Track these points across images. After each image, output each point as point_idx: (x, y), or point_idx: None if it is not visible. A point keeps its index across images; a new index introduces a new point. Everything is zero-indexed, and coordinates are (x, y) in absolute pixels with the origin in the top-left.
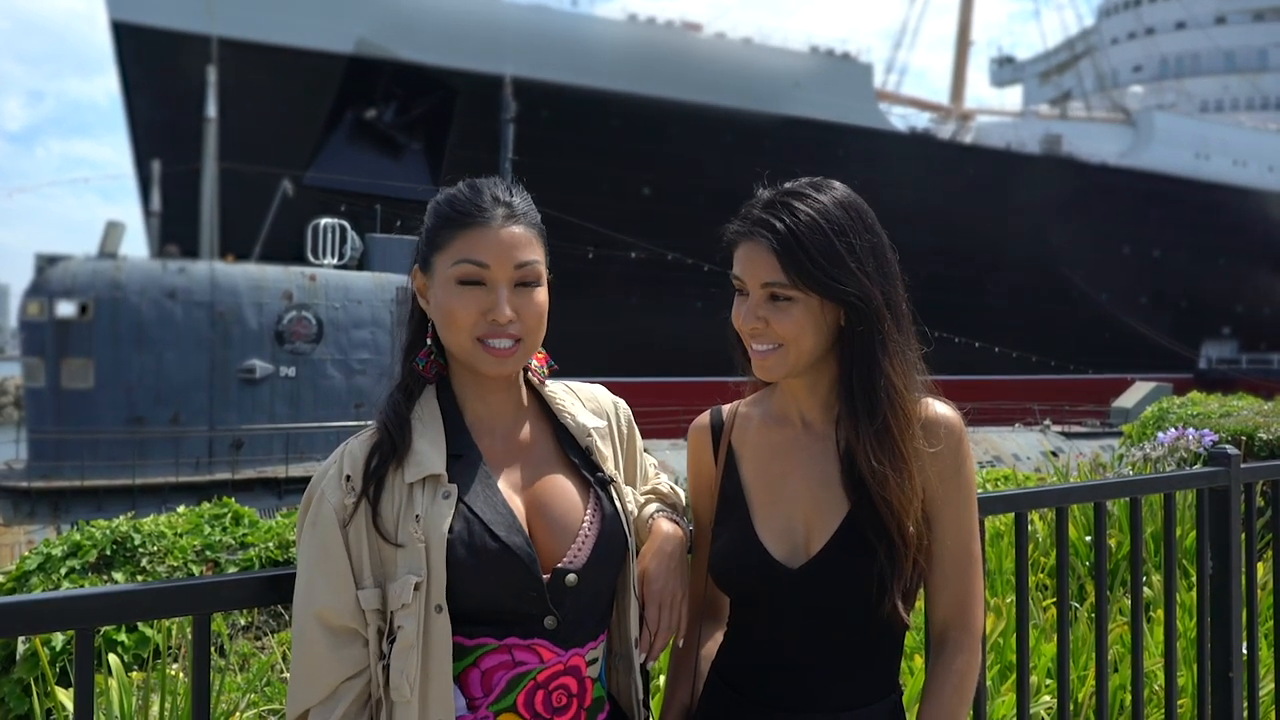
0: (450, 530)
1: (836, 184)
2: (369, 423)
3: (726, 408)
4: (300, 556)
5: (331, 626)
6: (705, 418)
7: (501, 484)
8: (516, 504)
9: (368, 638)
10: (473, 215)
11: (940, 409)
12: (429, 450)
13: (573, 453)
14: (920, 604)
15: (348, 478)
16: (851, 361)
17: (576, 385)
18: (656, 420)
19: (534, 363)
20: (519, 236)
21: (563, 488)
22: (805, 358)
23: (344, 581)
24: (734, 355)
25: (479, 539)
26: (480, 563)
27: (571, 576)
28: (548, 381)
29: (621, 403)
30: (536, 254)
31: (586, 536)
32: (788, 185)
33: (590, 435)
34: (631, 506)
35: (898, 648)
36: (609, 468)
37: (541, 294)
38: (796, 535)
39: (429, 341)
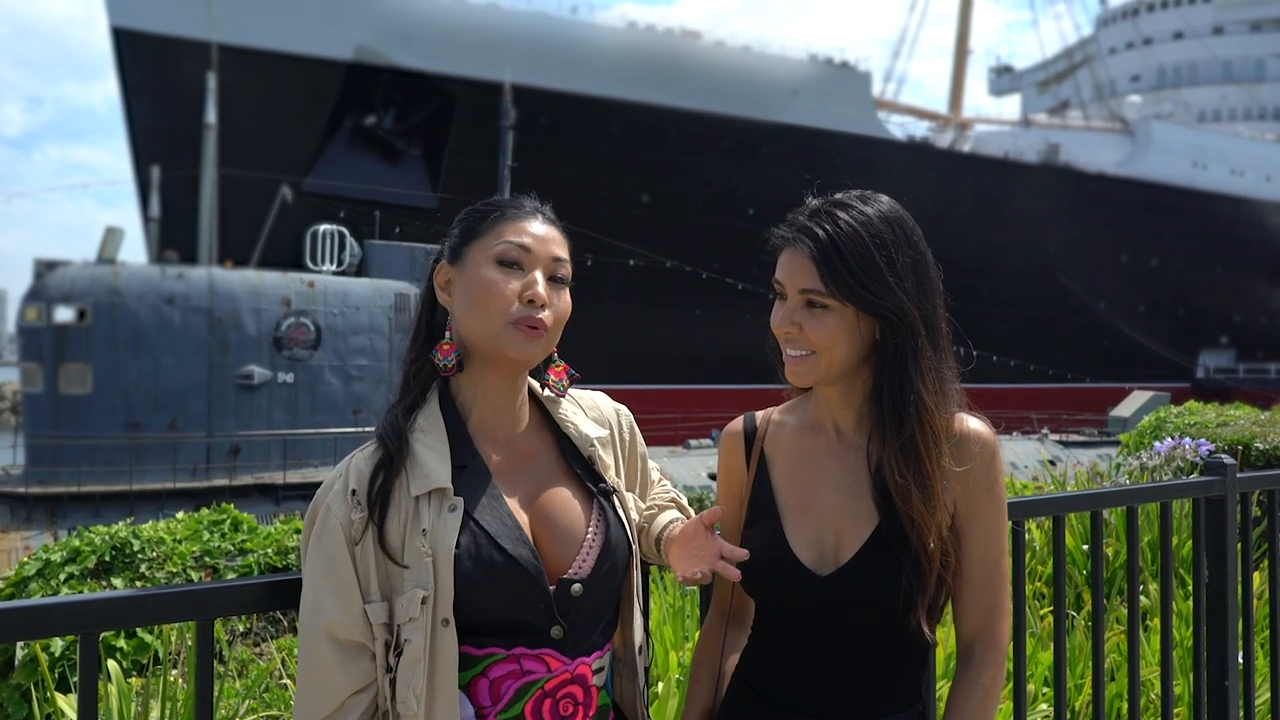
0: (457, 544)
1: (884, 198)
2: (369, 429)
3: (760, 414)
4: (306, 570)
5: (339, 640)
6: (739, 423)
7: (506, 494)
8: (521, 515)
9: (375, 651)
10: (517, 207)
11: (974, 424)
12: (434, 462)
13: (575, 462)
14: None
15: (353, 492)
16: (883, 375)
17: (577, 392)
18: (656, 428)
19: (550, 377)
20: (556, 235)
21: (566, 498)
22: (837, 366)
23: (351, 596)
24: (774, 362)
25: (485, 552)
26: (487, 576)
27: (577, 586)
28: (545, 390)
29: (623, 409)
30: (568, 256)
31: (591, 547)
32: (836, 196)
33: (593, 445)
34: (634, 515)
35: (923, 659)
36: (611, 477)
37: (568, 296)
38: (826, 543)
39: (449, 334)
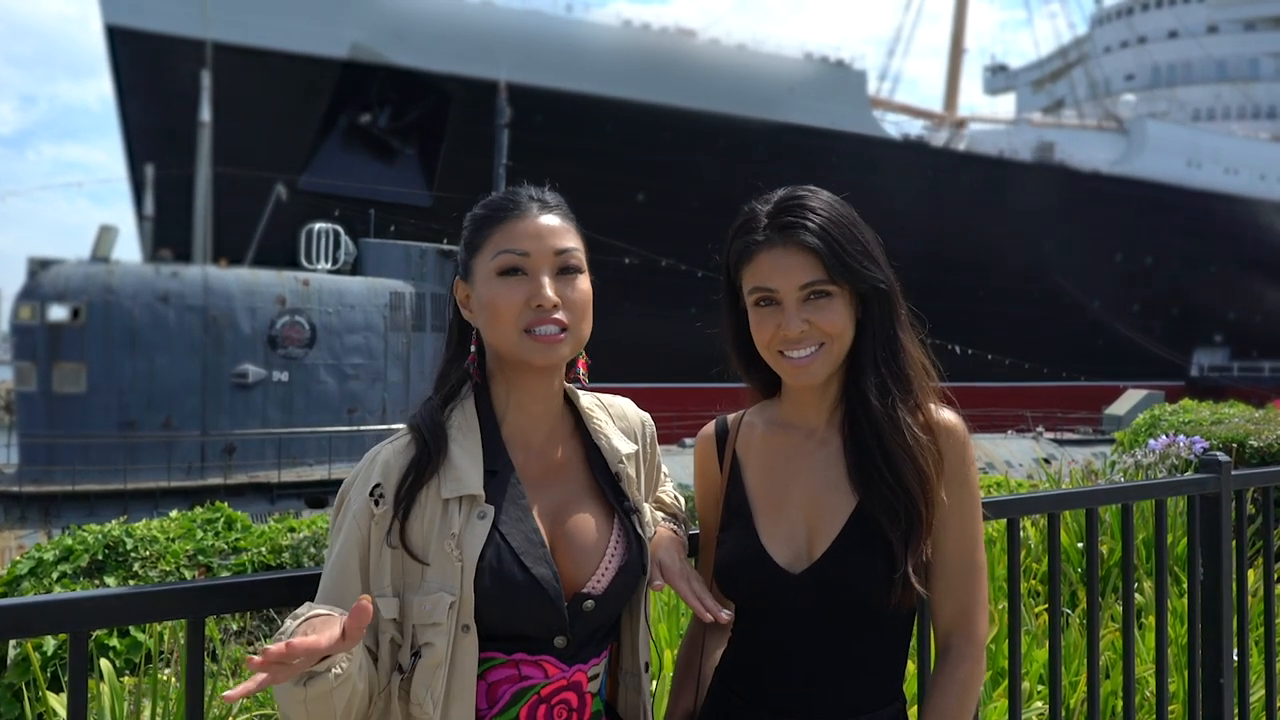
0: (480, 556)
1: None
2: (363, 428)
3: (731, 416)
4: (325, 562)
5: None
6: (710, 427)
7: (531, 505)
8: (544, 529)
9: (373, 648)
10: (508, 209)
11: (945, 415)
12: (467, 466)
13: (601, 475)
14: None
15: (376, 485)
16: (875, 344)
17: (606, 399)
18: None
19: (581, 370)
20: (556, 225)
21: (590, 514)
22: (842, 354)
23: (347, 597)
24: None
25: (507, 568)
26: (505, 591)
27: (590, 603)
28: (580, 394)
29: (647, 418)
30: (575, 243)
31: (608, 566)
32: (782, 193)
33: (622, 462)
34: (651, 530)
35: (901, 656)
36: (634, 494)
37: (585, 282)
38: (799, 541)
39: (473, 348)
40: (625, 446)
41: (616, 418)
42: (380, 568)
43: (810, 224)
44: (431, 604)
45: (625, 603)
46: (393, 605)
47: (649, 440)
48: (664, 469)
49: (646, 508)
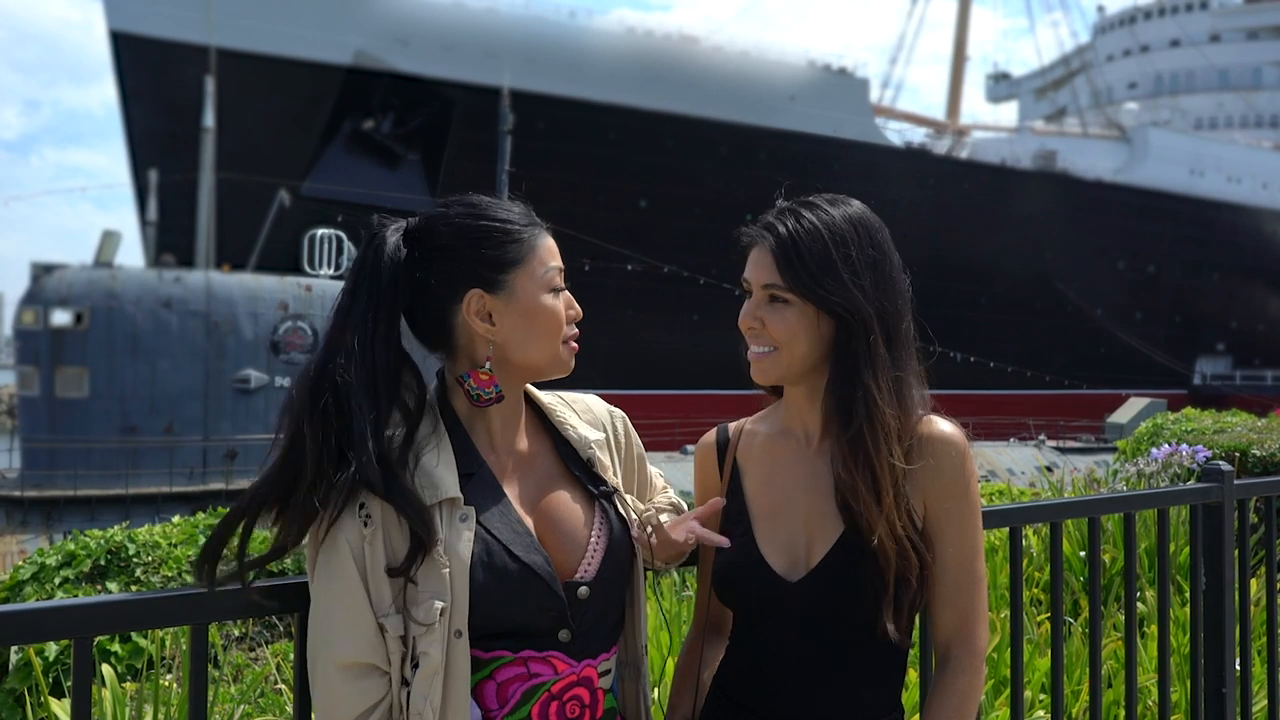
0: (469, 554)
1: (855, 202)
2: None
3: (733, 425)
4: (315, 589)
5: (346, 665)
6: (712, 435)
7: (511, 500)
8: (527, 520)
9: (388, 668)
10: (535, 225)
11: (942, 426)
12: (442, 471)
13: (574, 465)
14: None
15: (362, 505)
16: (836, 371)
17: (569, 395)
18: (652, 433)
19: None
20: None
21: (569, 501)
22: (798, 363)
23: (362, 617)
24: (747, 369)
25: (499, 560)
26: (501, 584)
27: (584, 589)
28: (540, 392)
29: (617, 411)
30: None
31: (595, 550)
32: (806, 197)
33: (591, 447)
34: (635, 515)
35: (900, 666)
36: (610, 478)
37: None
38: (797, 548)
39: (488, 364)
40: (592, 434)
41: (581, 411)
42: (380, 587)
43: (780, 230)
44: (424, 612)
45: (623, 588)
46: (399, 622)
47: (621, 430)
48: (660, 473)
49: (629, 498)
